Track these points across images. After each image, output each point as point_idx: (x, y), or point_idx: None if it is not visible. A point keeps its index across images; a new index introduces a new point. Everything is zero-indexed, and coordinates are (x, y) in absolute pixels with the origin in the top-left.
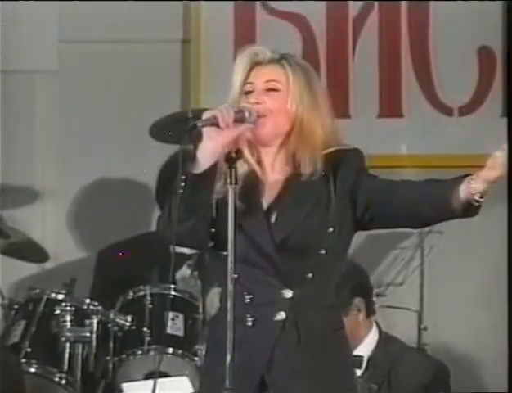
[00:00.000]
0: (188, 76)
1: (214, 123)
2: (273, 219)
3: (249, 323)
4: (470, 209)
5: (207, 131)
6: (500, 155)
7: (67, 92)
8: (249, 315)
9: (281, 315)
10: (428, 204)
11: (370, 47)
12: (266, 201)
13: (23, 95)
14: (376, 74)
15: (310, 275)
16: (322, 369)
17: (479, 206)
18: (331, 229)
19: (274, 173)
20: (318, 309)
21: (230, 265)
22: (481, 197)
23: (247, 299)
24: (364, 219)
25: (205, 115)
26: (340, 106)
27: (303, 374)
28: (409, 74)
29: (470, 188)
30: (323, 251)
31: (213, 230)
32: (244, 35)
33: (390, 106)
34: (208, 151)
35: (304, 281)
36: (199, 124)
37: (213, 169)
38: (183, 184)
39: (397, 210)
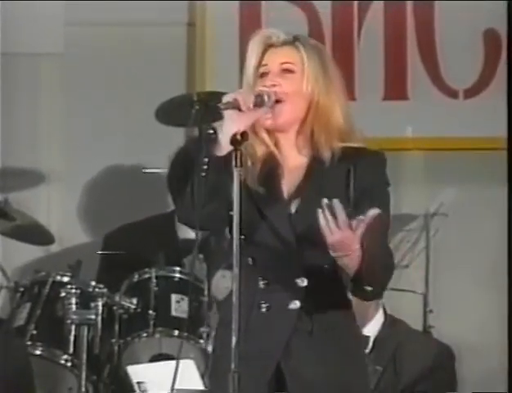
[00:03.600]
0: (193, 59)
1: (236, 106)
2: (294, 208)
3: (263, 310)
4: None
5: (229, 114)
6: None
7: (72, 74)
8: (263, 301)
9: (296, 304)
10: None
11: (376, 30)
12: (286, 186)
13: (28, 78)
14: (382, 57)
15: (327, 266)
16: (335, 357)
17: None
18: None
19: (293, 158)
20: (331, 297)
21: (235, 247)
22: None
23: (261, 284)
24: None
25: (226, 98)
26: (345, 89)
27: (317, 362)
28: (414, 56)
29: None
30: None
31: (231, 213)
32: (250, 18)
33: (395, 88)
34: (231, 133)
35: (321, 271)
36: (222, 107)
37: None
38: (206, 167)
39: None
